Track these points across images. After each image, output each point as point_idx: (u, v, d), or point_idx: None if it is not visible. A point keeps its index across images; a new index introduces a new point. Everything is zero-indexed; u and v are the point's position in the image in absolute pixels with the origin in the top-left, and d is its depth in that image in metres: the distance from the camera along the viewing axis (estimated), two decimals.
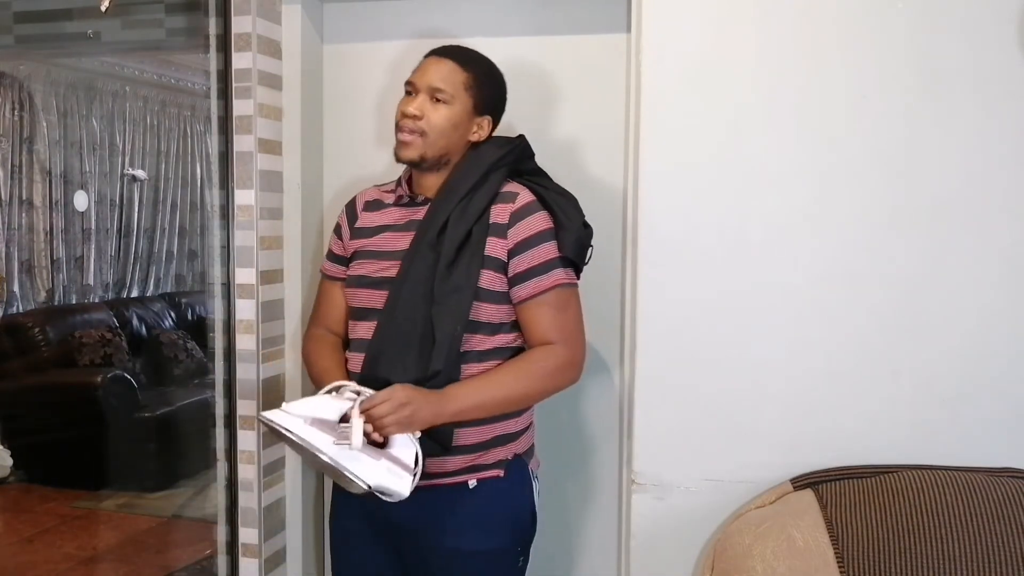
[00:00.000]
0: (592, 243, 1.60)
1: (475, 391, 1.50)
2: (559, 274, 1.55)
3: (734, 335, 1.71)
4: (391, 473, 1.39)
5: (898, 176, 1.63)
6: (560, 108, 1.96)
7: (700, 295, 1.72)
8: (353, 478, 1.36)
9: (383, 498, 1.40)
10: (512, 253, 1.54)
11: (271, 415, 1.40)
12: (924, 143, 1.62)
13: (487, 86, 1.62)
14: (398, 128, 1.58)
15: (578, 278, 1.61)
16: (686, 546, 1.76)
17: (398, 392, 1.41)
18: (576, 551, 2.06)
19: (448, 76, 1.57)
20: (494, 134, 1.65)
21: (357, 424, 1.37)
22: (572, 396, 2.01)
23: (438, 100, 1.56)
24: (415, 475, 1.41)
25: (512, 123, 1.75)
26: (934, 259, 1.63)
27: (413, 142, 1.56)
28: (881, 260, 1.65)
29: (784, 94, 1.66)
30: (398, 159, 1.60)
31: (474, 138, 1.61)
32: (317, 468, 1.47)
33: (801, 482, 1.64)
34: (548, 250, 1.55)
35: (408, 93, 1.60)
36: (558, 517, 2.03)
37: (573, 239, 1.55)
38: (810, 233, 1.67)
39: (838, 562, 1.47)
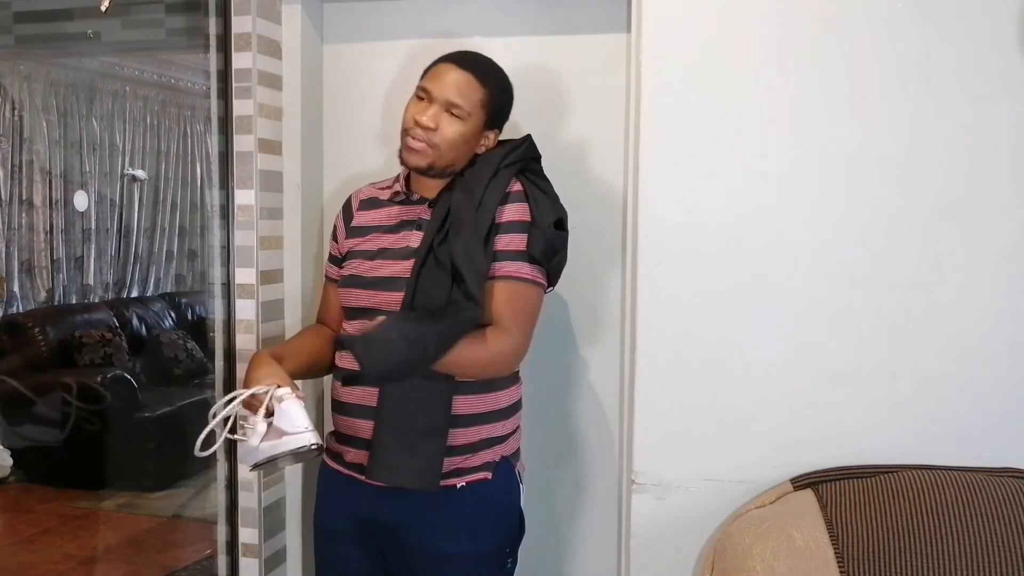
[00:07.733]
0: (566, 248, 1.57)
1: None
2: (525, 268, 1.52)
3: (734, 334, 1.71)
4: (297, 440, 1.41)
5: (898, 175, 1.63)
6: (560, 108, 1.96)
7: (700, 294, 1.72)
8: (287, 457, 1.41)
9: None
10: (495, 231, 1.52)
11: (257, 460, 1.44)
12: (924, 142, 1.62)
13: (500, 101, 1.59)
14: (407, 133, 1.54)
15: (550, 285, 1.59)
16: (686, 546, 1.76)
17: None
18: (576, 551, 2.06)
19: (467, 92, 1.52)
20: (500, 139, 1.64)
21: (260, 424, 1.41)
22: (572, 397, 2.01)
23: (453, 115, 1.52)
24: (308, 430, 1.40)
25: (512, 123, 1.75)
26: (934, 258, 1.63)
27: (423, 151, 1.53)
28: (881, 260, 1.65)
29: (784, 93, 1.66)
30: (404, 163, 1.57)
31: (480, 150, 1.60)
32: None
33: (801, 482, 1.64)
34: (521, 240, 1.53)
35: (420, 98, 1.54)
36: (558, 518, 2.02)
37: (542, 239, 1.52)
38: (810, 232, 1.67)
39: (838, 562, 1.47)
